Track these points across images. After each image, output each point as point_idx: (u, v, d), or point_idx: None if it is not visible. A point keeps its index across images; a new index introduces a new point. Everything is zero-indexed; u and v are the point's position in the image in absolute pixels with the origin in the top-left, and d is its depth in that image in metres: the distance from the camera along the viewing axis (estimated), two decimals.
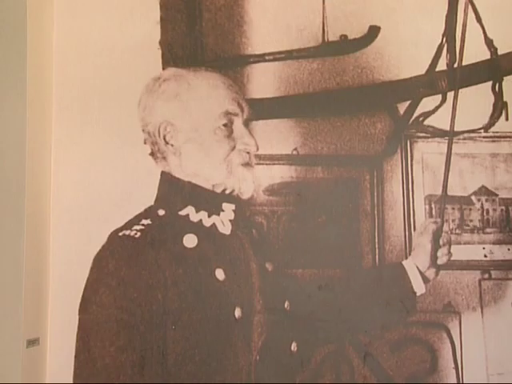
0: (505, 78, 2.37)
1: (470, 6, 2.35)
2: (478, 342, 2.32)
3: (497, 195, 2.36)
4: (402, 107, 2.38)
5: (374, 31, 2.35)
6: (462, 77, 2.33)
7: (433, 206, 2.36)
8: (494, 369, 2.28)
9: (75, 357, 1.93)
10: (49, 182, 2.20)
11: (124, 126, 2.14)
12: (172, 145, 2.03)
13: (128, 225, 1.99)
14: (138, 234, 1.96)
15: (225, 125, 2.04)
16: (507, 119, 2.35)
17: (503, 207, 2.36)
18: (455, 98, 2.26)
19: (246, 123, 2.08)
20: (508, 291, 2.33)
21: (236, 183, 2.06)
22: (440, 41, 2.37)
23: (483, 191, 2.37)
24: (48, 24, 2.20)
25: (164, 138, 2.03)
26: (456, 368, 2.29)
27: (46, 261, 2.16)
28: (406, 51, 2.36)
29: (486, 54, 2.36)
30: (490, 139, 2.38)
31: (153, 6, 2.25)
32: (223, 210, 2.05)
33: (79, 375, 1.91)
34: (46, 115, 2.18)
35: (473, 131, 2.37)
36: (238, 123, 2.06)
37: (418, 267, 2.23)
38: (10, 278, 1.97)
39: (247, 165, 2.07)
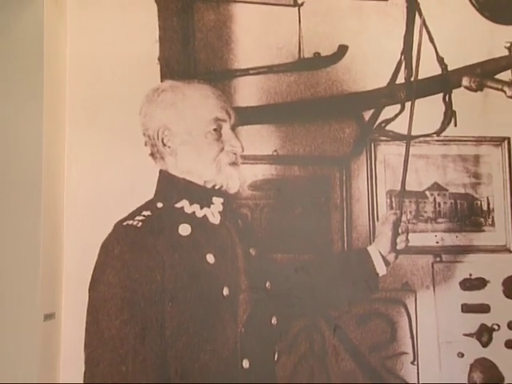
0: (454, 90, 2.39)
1: (424, 29, 2.35)
2: (431, 315, 2.33)
3: (447, 190, 2.38)
4: (367, 115, 2.40)
5: (342, 50, 2.35)
6: (417, 89, 2.34)
7: (393, 199, 2.37)
8: (443, 338, 2.31)
9: (86, 329, 1.93)
10: (62, 179, 2.19)
11: (127, 131, 2.13)
12: (169, 146, 2.04)
13: (131, 216, 1.99)
14: (140, 223, 1.97)
15: (215, 129, 2.04)
16: (456, 125, 2.37)
17: (452, 201, 2.38)
18: (412, 107, 2.27)
19: (233, 128, 2.09)
20: (456, 272, 2.35)
21: (224, 180, 2.06)
22: (399, 58, 2.38)
23: (435, 187, 2.38)
24: (62, 42, 2.19)
25: (162, 141, 2.04)
26: (412, 338, 2.31)
27: (61, 246, 2.16)
28: (370, 67, 2.36)
29: (437, 70, 2.38)
30: (442, 142, 2.39)
31: (152, 27, 2.24)
32: (213, 203, 2.05)
33: (89, 345, 1.92)
34: (60, 121, 2.18)
35: (427, 135, 2.38)
36: (226, 128, 2.07)
37: (380, 252, 2.25)
38: (30, 261, 1.96)
39: (234, 164, 2.08)
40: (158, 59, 2.28)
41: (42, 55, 1.97)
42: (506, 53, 2.39)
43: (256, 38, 2.34)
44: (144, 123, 2.08)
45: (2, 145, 1.97)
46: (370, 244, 2.30)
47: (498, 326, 2.33)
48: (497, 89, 2.37)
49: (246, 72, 2.33)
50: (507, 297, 2.33)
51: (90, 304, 1.95)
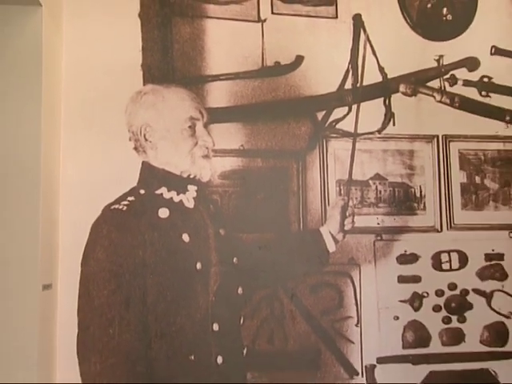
0: (392, 95, 2.49)
1: (367, 43, 2.42)
2: (372, 285, 2.42)
3: (387, 180, 2.47)
4: (320, 115, 2.45)
5: (299, 59, 2.42)
6: (362, 94, 2.42)
7: (341, 187, 2.44)
8: (382, 304, 2.40)
9: (78, 298, 1.96)
10: (58, 169, 2.23)
11: (114, 127, 2.16)
12: (150, 141, 2.07)
13: (117, 201, 2.03)
14: (125, 207, 2.01)
15: (189, 127, 2.08)
16: (394, 125, 2.47)
17: (391, 188, 2.47)
18: (358, 109, 2.34)
19: (205, 126, 2.12)
20: (393, 249, 2.46)
21: (198, 170, 2.10)
22: (346, 67, 2.47)
23: (377, 177, 2.48)
24: (58, 52, 2.23)
25: (144, 136, 2.07)
26: (356, 304, 2.40)
27: (57, 227, 2.20)
28: (322, 74, 2.43)
29: (379, 78, 2.48)
30: (382, 139, 2.48)
31: (136, 38, 2.28)
32: (188, 190, 2.09)
33: (81, 311, 1.95)
34: (56, 119, 2.22)
35: (370, 133, 2.46)
36: (199, 126, 2.11)
37: (330, 232, 2.30)
38: (30, 240, 1.99)
39: (206, 157, 2.11)
40: (141, 66, 2.31)
41: (40, 63, 2.00)
42: (435, 64, 2.50)
43: (225, 48, 2.38)
44: (129, 121, 2.11)
45: (6, 142, 1.97)
46: (322, 225, 2.34)
47: (428, 293, 2.43)
48: (428, 94, 2.48)
49: (216, 78, 2.37)
50: (435, 269, 2.45)
51: (81, 276, 1.98)
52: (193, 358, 2.01)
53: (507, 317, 2.43)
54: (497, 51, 2.50)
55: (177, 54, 2.32)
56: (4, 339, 1.95)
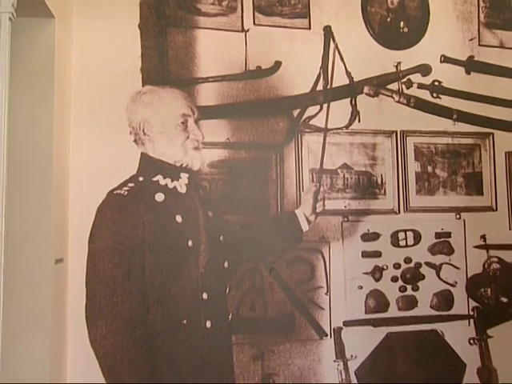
0: (358, 96, 2.52)
1: (336, 51, 2.44)
2: (340, 259, 2.45)
3: (353, 169, 2.51)
4: (295, 113, 2.48)
5: (277, 64, 2.45)
6: (332, 94, 2.45)
7: (314, 175, 2.46)
8: (348, 275, 2.45)
9: (86, 271, 2.03)
10: (68, 158, 2.26)
11: (117, 123, 2.19)
12: (148, 135, 2.12)
13: (119, 187, 2.08)
14: (126, 192, 2.06)
15: (182, 122, 2.14)
16: (359, 121, 2.51)
17: (356, 176, 2.51)
18: (328, 107, 2.39)
19: (196, 121, 2.17)
20: (358, 228, 2.50)
21: (189, 160, 2.15)
22: (318, 72, 2.49)
23: (344, 166, 2.51)
24: (69, 57, 2.27)
25: (143, 131, 2.12)
26: (326, 276, 2.44)
27: (67, 210, 2.24)
28: (298, 77, 2.46)
29: (346, 81, 2.50)
30: (349, 134, 2.52)
31: (136, 46, 2.31)
32: (181, 178, 2.13)
33: (88, 283, 2.01)
34: (67, 115, 2.25)
35: (338, 129, 2.49)
36: (190, 121, 2.16)
37: (304, 214, 2.35)
38: (44, 219, 2.03)
39: (196, 148, 2.16)
40: (140, 70, 2.34)
41: (53, 68, 2.03)
42: (394, 70, 2.54)
43: (213, 54, 2.40)
44: (129, 117, 2.16)
45: (24, 136, 1.98)
46: (297, 208, 2.39)
47: (387, 266, 2.48)
48: (388, 95, 2.53)
49: (205, 80, 2.39)
50: (393, 245, 2.51)
51: (89, 252, 2.04)
52: (185, 322, 2.07)
53: (453, 285, 2.49)
54: (445, 59, 2.55)
55: (171, 60, 2.34)
56: (21, 307, 1.97)
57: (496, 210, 2.54)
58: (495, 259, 2.50)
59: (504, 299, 2.50)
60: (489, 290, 2.49)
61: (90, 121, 2.26)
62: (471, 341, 2.46)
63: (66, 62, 2.21)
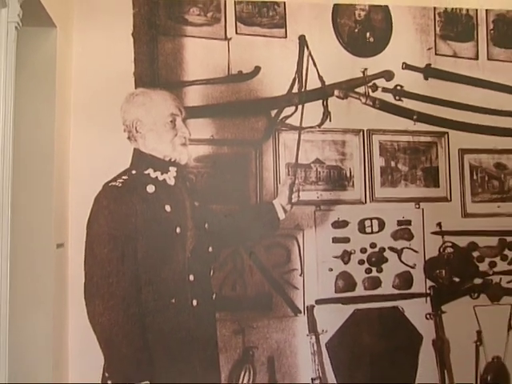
0: (329, 98, 2.52)
1: (310, 58, 2.47)
2: (312, 244, 2.48)
3: (324, 163, 2.52)
4: (273, 113, 2.49)
5: (257, 69, 2.47)
6: (306, 96, 2.46)
7: (289, 169, 2.48)
8: (320, 259, 2.48)
9: (85, 255, 2.05)
10: (68, 153, 2.29)
11: (112, 122, 2.19)
12: (140, 132, 2.14)
13: (114, 179, 2.10)
14: (120, 184, 2.08)
15: (171, 121, 2.16)
16: (330, 121, 2.51)
17: (328, 170, 2.53)
18: (302, 108, 2.42)
19: (184, 120, 2.19)
20: (329, 217, 2.51)
21: (177, 155, 2.17)
22: (294, 76, 2.50)
23: (317, 161, 2.52)
24: (69, 62, 2.29)
25: (135, 129, 2.14)
26: (300, 259, 2.46)
27: (67, 199, 2.28)
28: (275, 81, 2.48)
29: (318, 84, 2.51)
30: (321, 132, 2.52)
31: (129, 52, 2.34)
32: (169, 171, 2.16)
33: (87, 265, 2.03)
34: (67, 115, 2.28)
35: (312, 127, 2.50)
36: (178, 120, 2.18)
37: (281, 204, 2.36)
38: (46, 208, 2.07)
39: (184, 144, 2.18)
40: (133, 73, 2.35)
41: (54, 73, 2.06)
42: (361, 75, 2.55)
43: (199, 60, 2.42)
44: (123, 116, 2.18)
45: (29, 133, 2.00)
46: (275, 199, 2.40)
47: (354, 250, 2.51)
48: (356, 98, 2.54)
49: (192, 83, 2.41)
50: (360, 232, 2.52)
51: (87, 238, 2.06)
52: (174, 301, 2.09)
53: (412, 267, 2.53)
54: (407, 66, 2.58)
55: (161, 65, 2.37)
56: (25, 288, 2.00)
57: (450, 200, 2.58)
58: (449, 244, 2.55)
59: (456, 279, 2.56)
60: (443, 271, 2.53)
61: (88, 120, 2.27)
62: (427, 316, 2.51)
63: (67, 67, 2.23)
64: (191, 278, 2.12)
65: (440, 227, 2.56)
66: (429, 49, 2.61)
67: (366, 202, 2.55)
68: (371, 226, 2.54)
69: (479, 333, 2.51)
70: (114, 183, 2.10)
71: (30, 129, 1.98)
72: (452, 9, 2.64)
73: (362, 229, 2.53)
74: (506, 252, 2.60)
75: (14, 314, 1.79)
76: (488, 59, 2.65)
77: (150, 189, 2.11)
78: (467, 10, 2.65)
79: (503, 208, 2.62)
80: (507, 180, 2.64)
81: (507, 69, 2.66)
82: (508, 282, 2.59)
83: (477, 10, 2.65)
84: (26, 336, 1.98)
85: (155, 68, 2.36)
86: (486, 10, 2.66)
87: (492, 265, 2.59)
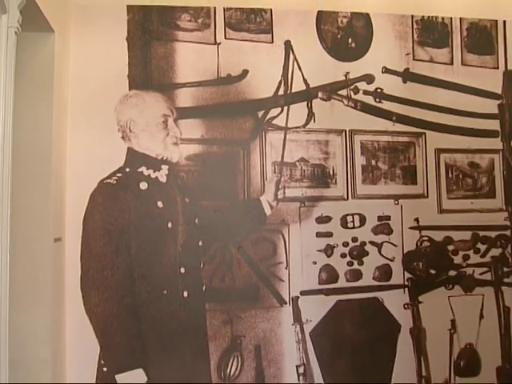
0: (313, 100, 2.53)
1: (295, 62, 2.49)
2: (297, 239, 2.50)
3: (309, 162, 2.54)
4: (260, 114, 2.50)
5: (245, 72, 2.49)
6: (291, 99, 2.49)
7: (276, 167, 2.50)
8: (304, 252, 2.50)
9: (81, 248, 2.05)
10: (65, 152, 2.31)
11: (107, 122, 2.20)
12: (134, 132, 2.15)
13: (109, 176, 2.12)
14: (115, 181, 2.10)
15: (163, 121, 2.17)
16: (314, 121, 2.53)
17: (312, 168, 2.54)
18: (288, 109, 2.46)
19: (175, 121, 2.20)
20: (313, 212, 2.52)
21: (169, 154, 2.17)
22: (280, 79, 2.51)
23: (302, 160, 2.54)
24: (66, 65, 2.31)
25: (129, 129, 2.15)
26: (286, 253, 2.47)
27: (64, 196, 2.29)
28: (262, 83, 2.50)
29: (303, 87, 2.53)
30: (306, 132, 2.54)
31: (124, 56, 2.36)
32: (162, 169, 2.17)
33: (83, 258, 2.04)
34: (64, 115, 2.29)
35: (297, 127, 2.52)
36: (170, 121, 2.19)
37: (267, 200, 2.37)
38: (44, 204, 2.08)
39: (175, 144, 2.19)
40: (127, 76, 2.37)
41: (52, 75, 2.08)
42: (344, 78, 2.57)
43: (190, 63, 2.44)
44: (118, 117, 2.19)
45: (28, 133, 2.01)
46: (261, 195, 2.41)
47: (337, 244, 2.53)
48: (338, 100, 2.57)
49: (183, 85, 2.43)
50: (343, 227, 2.54)
51: (83, 232, 2.07)
52: (165, 292, 2.10)
53: (391, 260, 2.57)
54: (386, 70, 2.62)
55: (154, 68, 2.39)
56: (25, 280, 2.01)
57: (427, 196, 2.63)
58: (426, 238, 2.59)
59: (432, 271, 2.60)
60: (420, 263, 2.57)
61: (84, 120, 2.29)
62: (405, 306, 2.55)
63: (64, 70, 2.25)
64: (182, 270, 2.13)
65: (417, 222, 2.59)
66: (407, 54, 2.64)
67: (348, 198, 2.57)
68: (353, 221, 2.56)
69: (453, 321, 2.57)
70: (108, 180, 2.11)
71: (29, 129, 1.99)
72: (428, 17, 2.68)
73: (344, 224, 2.55)
74: (479, 245, 2.66)
75: (14, 305, 1.80)
76: (462, 64, 2.69)
77: (143, 186, 2.12)
78: (442, 18, 2.69)
79: (476, 204, 2.67)
80: (480, 178, 2.69)
81: (480, 74, 2.70)
82: (480, 274, 2.64)
83: (451, 18, 2.69)
84: (26, 326, 1.99)
85: (148, 71, 2.37)
86: (460, 19, 2.70)
87: (466, 258, 2.64)
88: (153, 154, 2.17)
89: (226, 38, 2.48)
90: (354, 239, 2.56)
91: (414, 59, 2.65)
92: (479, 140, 2.68)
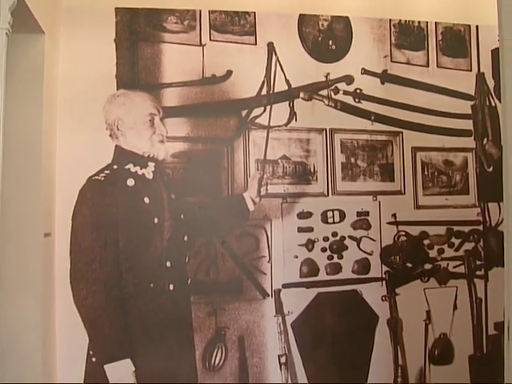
0: (295, 100, 2.55)
1: (278, 63, 2.53)
2: (279, 233, 2.52)
3: (291, 159, 2.57)
4: (244, 113, 2.52)
5: (229, 73, 2.51)
6: (274, 98, 2.52)
7: (258, 164, 2.52)
8: (286, 247, 2.53)
9: (70, 243, 2.12)
10: (55, 149, 2.30)
11: (95, 120, 2.27)
12: (121, 130, 2.22)
13: (97, 173, 2.18)
14: (103, 178, 2.16)
15: (150, 120, 2.24)
16: (296, 120, 2.56)
17: (294, 166, 2.57)
18: (270, 109, 2.50)
19: (161, 119, 2.28)
20: (295, 208, 2.55)
21: (155, 151, 2.24)
22: (263, 79, 2.54)
23: (284, 157, 2.56)
24: (56, 65, 2.31)
25: (117, 127, 2.22)
26: (268, 247, 2.50)
27: (54, 192, 2.29)
28: (246, 84, 2.52)
29: (285, 87, 2.55)
30: (288, 131, 2.56)
31: (112, 56, 2.37)
32: (148, 166, 2.23)
33: (72, 252, 2.12)
34: (53, 114, 2.29)
35: (279, 126, 2.55)
36: (157, 119, 2.26)
37: (250, 196, 2.44)
38: (34, 200, 2.08)
39: (161, 142, 2.26)
40: (115, 76, 2.38)
41: (42, 76, 2.09)
42: (324, 79, 2.60)
43: (176, 64, 2.46)
44: (106, 116, 2.25)
45: (18, 131, 2.00)
46: (245, 192, 2.47)
47: (318, 239, 2.56)
48: (319, 100, 2.60)
49: (169, 85, 2.44)
50: (323, 222, 2.57)
51: (72, 227, 2.14)
52: (152, 285, 2.16)
53: (370, 254, 2.61)
54: (365, 72, 2.66)
55: (141, 68, 2.41)
56: (14, 274, 2.02)
57: (404, 193, 2.67)
58: (403, 233, 2.64)
59: (409, 264, 2.66)
60: (397, 257, 2.63)
61: (73, 119, 2.31)
62: (383, 298, 2.60)
63: (54, 70, 2.27)
64: (168, 264, 2.19)
65: (395, 218, 2.65)
66: (385, 56, 2.69)
67: (328, 194, 2.60)
68: (333, 216, 2.59)
69: (428, 312, 2.64)
70: (97, 177, 2.16)
71: (19, 127, 2.01)
72: (406, 21, 2.74)
73: (324, 219, 2.58)
74: (453, 240, 2.72)
75: (5, 298, 1.87)
76: (437, 67, 2.75)
77: (130, 182, 2.18)
78: (419, 22, 2.75)
79: (451, 200, 2.74)
80: (454, 175, 2.75)
81: (454, 76, 2.76)
82: (454, 267, 2.71)
83: (427, 22, 2.75)
84: (17, 318, 2.02)
85: (135, 71, 2.39)
86: (436, 23, 2.76)
87: (440, 251, 2.70)
88: (140, 151, 2.23)
89: (210, 40, 2.50)
90: (334, 234, 2.59)
91: (391, 61, 2.70)
92: (453, 139, 2.74)
